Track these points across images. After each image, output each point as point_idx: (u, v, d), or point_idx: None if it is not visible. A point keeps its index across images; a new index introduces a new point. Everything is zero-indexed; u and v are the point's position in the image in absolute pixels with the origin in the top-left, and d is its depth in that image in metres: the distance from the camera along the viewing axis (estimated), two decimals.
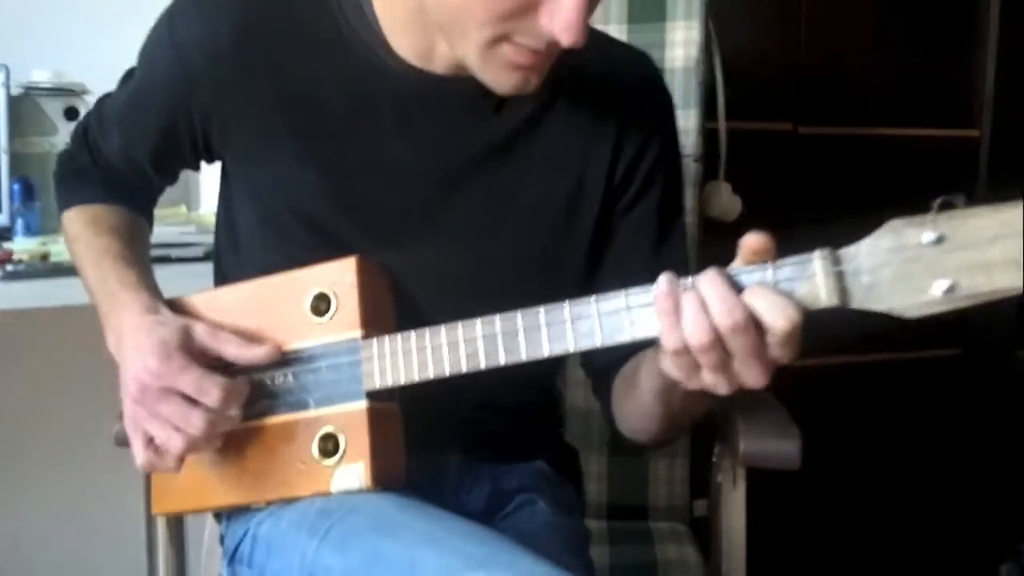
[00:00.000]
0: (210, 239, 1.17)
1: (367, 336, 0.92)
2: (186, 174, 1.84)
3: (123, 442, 1.12)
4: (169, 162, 1.07)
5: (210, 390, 0.87)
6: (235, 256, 1.06)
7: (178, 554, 1.20)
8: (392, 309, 0.97)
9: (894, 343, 2.16)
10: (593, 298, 0.81)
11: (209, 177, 1.78)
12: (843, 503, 2.28)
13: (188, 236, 1.52)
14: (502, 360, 0.85)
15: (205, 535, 1.24)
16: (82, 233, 1.05)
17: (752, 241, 0.73)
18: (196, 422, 0.87)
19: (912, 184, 1.87)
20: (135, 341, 0.90)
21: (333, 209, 0.97)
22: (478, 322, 0.86)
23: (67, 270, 1.39)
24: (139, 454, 0.91)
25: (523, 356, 0.84)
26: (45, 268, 1.42)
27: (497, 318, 0.85)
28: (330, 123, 0.96)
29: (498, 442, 1.06)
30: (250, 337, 0.94)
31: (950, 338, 2.38)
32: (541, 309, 0.83)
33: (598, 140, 1.00)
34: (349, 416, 0.91)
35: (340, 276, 0.94)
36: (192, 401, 0.88)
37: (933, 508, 2.38)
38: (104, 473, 1.74)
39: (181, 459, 0.91)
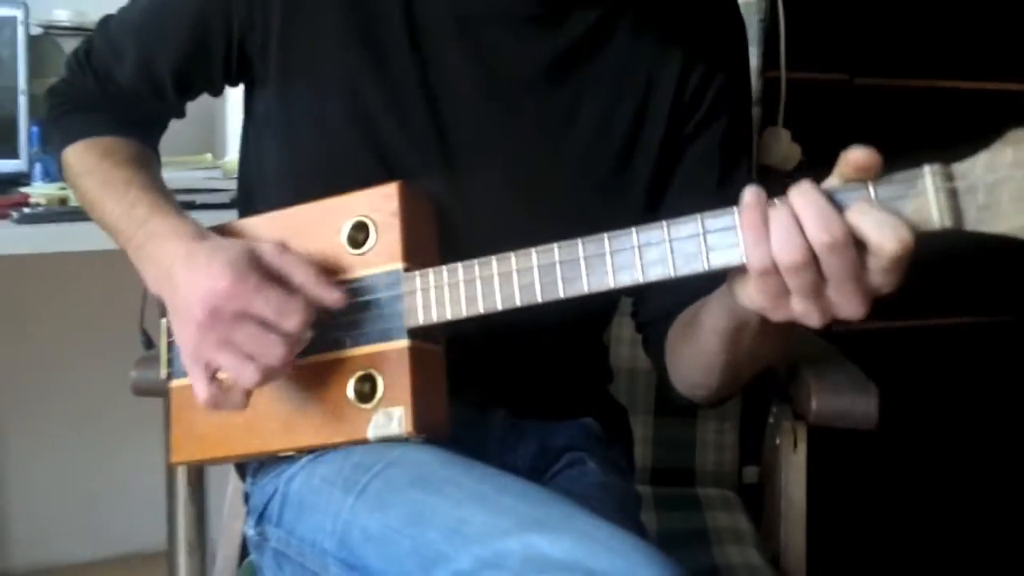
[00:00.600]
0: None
1: (409, 269, 0.84)
2: (212, 119, 1.80)
3: (142, 390, 1.05)
4: (193, 79, 0.98)
5: (292, 313, 0.78)
6: (263, 197, 0.98)
7: (199, 511, 1.13)
8: (436, 241, 0.89)
9: (943, 308, 2.07)
10: (664, 223, 0.73)
11: (236, 122, 1.70)
12: (903, 469, 2.19)
13: (214, 182, 1.45)
14: (561, 292, 0.77)
15: (228, 492, 1.17)
16: (97, 165, 0.95)
17: (857, 156, 0.64)
18: (276, 349, 0.77)
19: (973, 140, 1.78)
20: (193, 266, 0.80)
21: (382, 123, 0.90)
22: (533, 251, 0.78)
23: (86, 215, 1.32)
24: (203, 390, 0.81)
25: (585, 287, 0.76)
26: (63, 212, 1.36)
27: (556, 246, 0.77)
28: (387, 35, 0.89)
29: (546, 397, 0.99)
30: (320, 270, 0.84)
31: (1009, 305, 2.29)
32: (605, 236, 0.75)
33: (664, 62, 0.93)
34: (388, 356, 0.83)
35: (381, 203, 0.86)
36: (267, 327, 0.78)
37: (991, 480, 2.28)
38: (124, 423, 1.69)
39: (250, 394, 0.82)
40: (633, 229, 0.74)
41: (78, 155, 0.97)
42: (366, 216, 0.86)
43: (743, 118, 0.99)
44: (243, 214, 1.00)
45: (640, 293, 0.97)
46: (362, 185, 0.87)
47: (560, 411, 1.01)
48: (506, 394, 0.97)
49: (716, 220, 0.71)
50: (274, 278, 0.80)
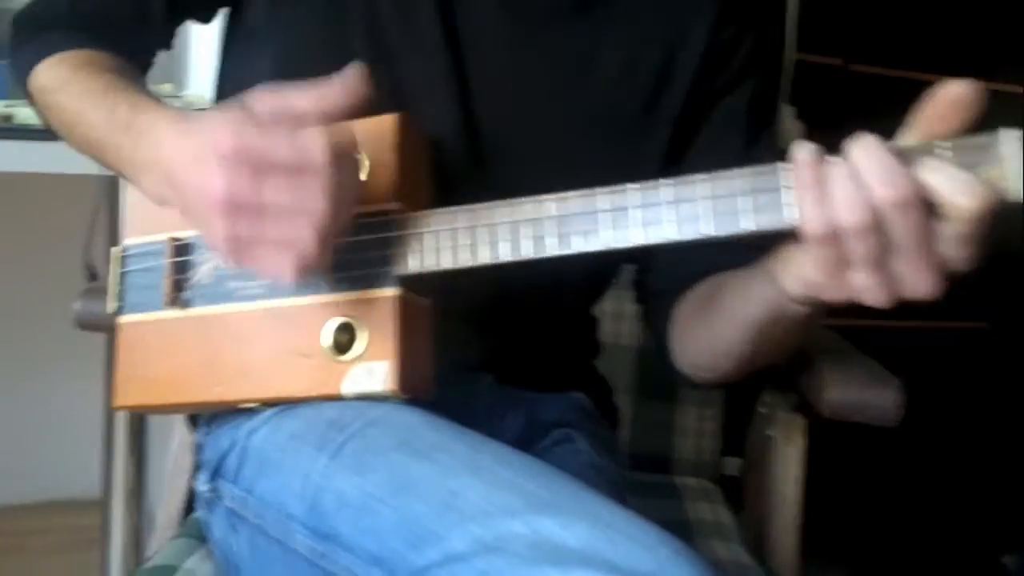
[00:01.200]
0: None
1: (404, 210, 0.75)
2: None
3: (87, 323, 0.95)
4: None
5: (313, 137, 0.62)
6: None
7: (138, 459, 1.03)
8: (434, 182, 0.80)
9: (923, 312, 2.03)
10: (700, 176, 0.65)
11: (200, 53, 1.58)
12: (896, 467, 2.15)
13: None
14: (576, 246, 0.68)
15: (174, 442, 1.07)
16: (71, 77, 0.82)
17: (954, 91, 0.57)
18: (312, 194, 0.62)
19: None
20: (188, 138, 0.66)
21: (392, 44, 0.81)
22: (550, 199, 0.69)
23: (32, 133, 1.20)
24: (281, 268, 0.64)
25: (608, 242, 0.67)
26: (7, 130, 1.23)
27: (574, 194, 0.68)
28: None
29: (536, 365, 0.92)
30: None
31: (978, 311, 2.26)
32: (634, 186, 0.67)
33: (697, 11, 0.87)
34: (374, 305, 0.74)
35: (376, 135, 0.76)
36: (295, 167, 0.62)
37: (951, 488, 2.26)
38: (60, 359, 1.56)
39: (324, 248, 0.64)
40: (664, 181, 0.66)
41: (50, 71, 0.84)
42: (359, 148, 0.76)
43: (771, 83, 0.92)
44: None
45: (648, 260, 0.90)
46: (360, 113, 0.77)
47: (549, 382, 0.93)
48: (495, 358, 0.89)
49: (766, 177, 0.63)
50: (275, 117, 0.64)
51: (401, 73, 0.81)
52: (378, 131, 0.76)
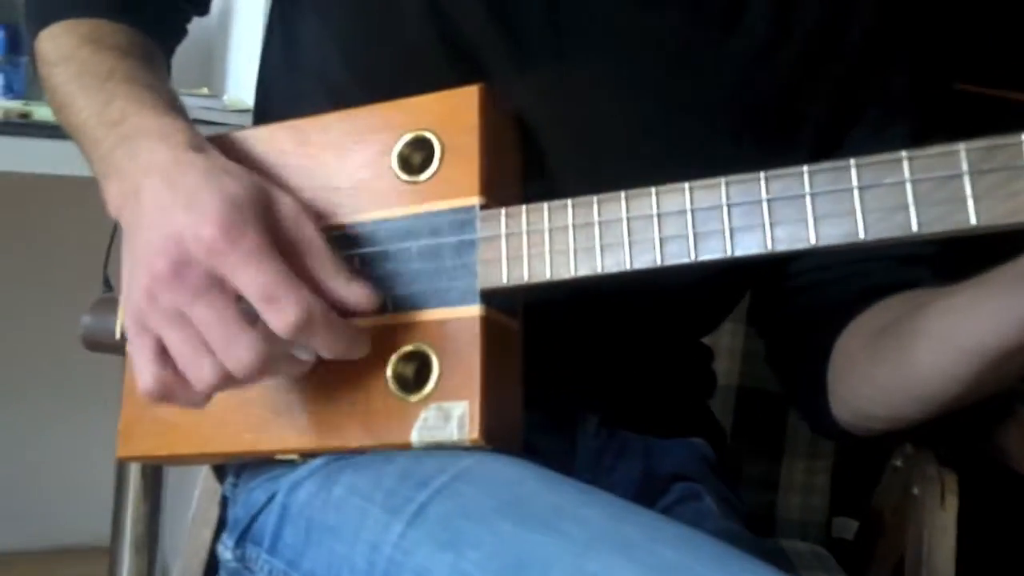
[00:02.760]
0: (242, 121, 0.83)
1: (488, 205, 0.58)
2: (209, 53, 1.54)
3: (95, 343, 0.79)
4: None
5: (285, 302, 0.52)
6: (292, 92, 0.72)
7: (152, 507, 0.87)
8: (523, 171, 0.63)
9: None
10: (901, 154, 0.48)
11: (237, 58, 1.44)
12: None
13: (212, 113, 1.18)
14: (730, 250, 0.51)
15: (196, 491, 0.90)
16: (75, 52, 0.69)
17: None
18: (244, 350, 0.52)
19: None
20: (173, 187, 0.55)
21: (480, 11, 0.65)
22: (686, 187, 0.52)
23: (51, 131, 1.07)
24: (145, 370, 0.55)
25: (768, 244, 0.50)
26: (23, 126, 1.10)
27: (723, 181, 0.52)
28: None
29: (649, 405, 0.75)
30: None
31: None
32: (804, 168, 0.50)
33: None
34: (450, 328, 0.58)
35: (452, 112, 0.61)
36: (242, 314, 0.53)
37: None
38: (73, 384, 1.40)
39: (208, 394, 0.56)
40: (852, 160, 0.49)
41: (54, 39, 0.71)
42: (429, 130, 0.61)
43: (938, 64, 0.75)
44: (260, 112, 0.76)
45: (783, 277, 0.72)
46: (427, 87, 0.61)
47: (666, 424, 0.76)
48: (599, 396, 0.72)
49: (994, 151, 0.46)
50: (280, 246, 0.54)
51: (470, 26, 0.65)
52: (453, 108, 0.61)
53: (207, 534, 0.88)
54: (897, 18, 0.71)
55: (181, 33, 0.79)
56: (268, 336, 0.53)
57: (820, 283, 0.69)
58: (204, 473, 0.90)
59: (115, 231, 0.91)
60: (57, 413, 1.66)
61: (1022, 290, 0.49)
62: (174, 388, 0.55)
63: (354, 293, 0.56)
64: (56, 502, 1.67)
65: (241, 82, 1.42)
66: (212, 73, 1.50)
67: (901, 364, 0.60)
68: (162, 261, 0.53)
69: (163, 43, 0.76)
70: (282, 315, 0.52)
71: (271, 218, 0.55)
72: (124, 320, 0.57)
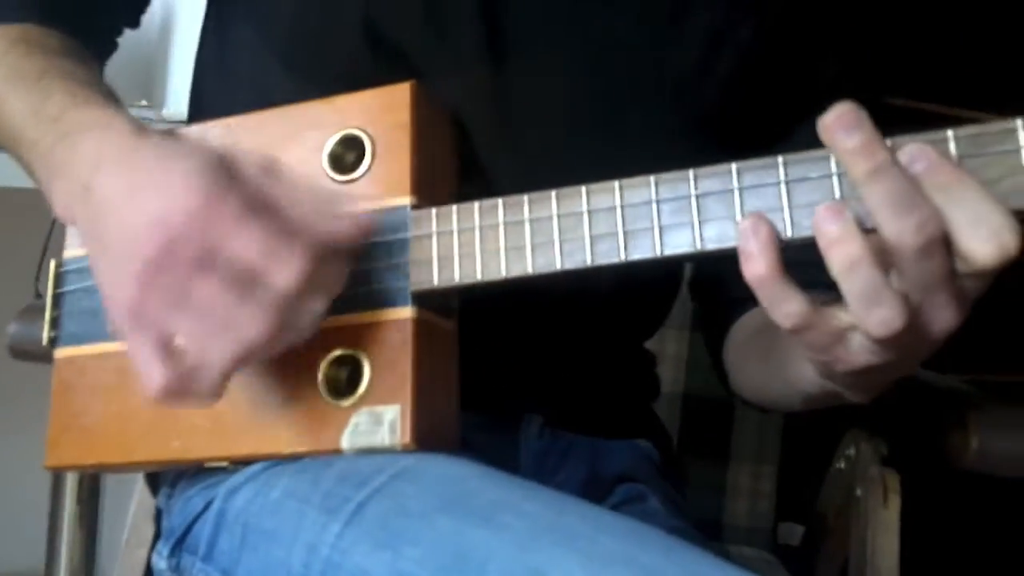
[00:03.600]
0: None
1: (420, 205, 0.58)
2: (150, 66, 1.51)
3: (22, 352, 0.77)
4: None
5: (287, 257, 0.49)
6: (225, 95, 0.71)
7: (89, 532, 0.84)
8: (457, 170, 0.63)
9: None
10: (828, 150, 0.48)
11: (178, 72, 1.42)
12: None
13: (152, 125, 1.15)
14: (659, 250, 0.51)
15: (131, 506, 0.88)
16: (4, 55, 0.66)
17: None
18: (260, 317, 0.50)
19: None
20: (134, 172, 0.52)
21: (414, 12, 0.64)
22: (618, 184, 0.52)
23: None
24: (155, 370, 0.51)
25: (695, 243, 0.50)
26: None
27: (652, 179, 0.51)
28: None
29: (593, 405, 0.74)
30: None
31: None
32: (733, 165, 0.50)
33: None
34: (381, 330, 0.57)
35: (383, 110, 0.60)
36: (249, 279, 0.50)
37: None
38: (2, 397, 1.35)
39: (224, 381, 0.52)
40: (784, 156, 0.49)
41: None
42: (360, 128, 0.60)
43: (876, 88, 0.76)
44: (195, 107, 0.74)
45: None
46: (355, 81, 0.61)
47: (611, 425, 0.75)
48: (542, 396, 0.71)
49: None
50: (259, 205, 0.51)
51: (402, 22, 0.65)
52: (385, 105, 0.60)
53: (142, 554, 0.85)
54: (830, 31, 0.71)
55: (112, 46, 0.77)
56: (274, 298, 0.50)
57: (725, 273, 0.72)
58: (139, 487, 0.88)
59: (48, 241, 0.89)
60: None
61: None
62: (186, 382, 0.51)
63: (346, 224, 0.53)
64: None
65: (181, 95, 1.39)
66: (152, 85, 1.47)
67: (762, 376, 0.67)
68: (150, 247, 0.49)
69: (95, 54, 0.74)
70: (287, 270, 0.49)
71: (242, 181, 0.52)
72: (113, 320, 0.53)
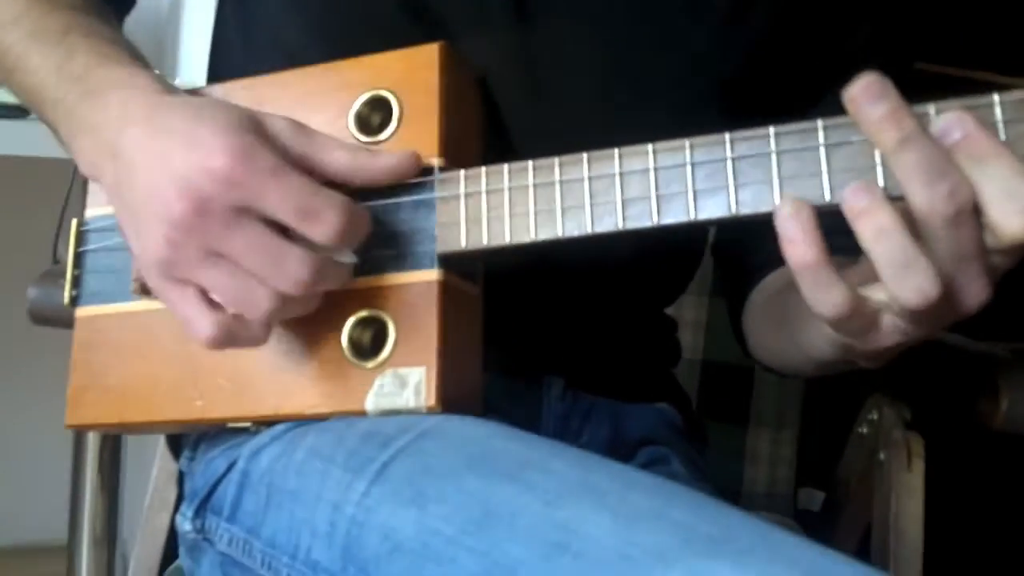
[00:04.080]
0: None
1: (447, 167, 0.57)
2: (161, 39, 1.49)
3: (43, 317, 0.76)
4: None
5: (323, 211, 0.50)
6: (246, 57, 0.70)
7: (110, 499, 0.84)
8: (485, 132, 0.62)
9: None
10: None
11: (190, 45, 1.41)
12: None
13: None
14: (693, 213, 0.50)
15: (153, 472, 0.88)
16: (25, 13, 0.65)
17: None
18: (295, 268, 0.51)
19: None
20: (163, 132, 0.52)
21: None
22: (649, 148, 0.51)
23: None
24: (198, 322, 0.53)
25: (737, 208, 0.49)
26: None
27: (688, 142, 0.50)
28: None
29: (615, 367, 0.74)
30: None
31: None
32: (771, 129, 0.48)
33: None
34: (407, 292, 0.56)
35: (411, 71, 0.59)
36: (282, 235, 0.51)
37: None
38: (24, 368, 1.35)
39: (270, 325, 0.54)
40: (818, 121, 0.48)
41: (2, 1, 0.66)
42: (388, 90, 0.59)
43: (909, 56, 0.75)
44: (213, 76, 0.73)
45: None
46: (385, 45, 0.59)
47: (633, 388, 0.75)
48: (564, 358, 0.71)
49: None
50: (293, 163, 0.52)
51: None
52: (413, 67, 0.59)
53: (164, 518, 0.85)
54: (848, 21, 0.69)
55: (130, 3, 0.76)
56: (311, 247, 0.51)
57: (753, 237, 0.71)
58: (160, 452, 0.88)
59: (65, 208, 0.88)
60: (9, 398, 1.61)
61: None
62: (236, 328, 0.53)
63: (390, 161, 0.55)
64: (9, 499, 1.62)
65: (193, 65, 1.38)
66: (163, 56, 1.46)
67: (778, 342, 0.67)
68: (180, 205, 0.50)
69: (115, 10, 0.73)
70: (323, 225, 0.50)
71: (271, 137, 0.52)
72: (145, 279, 0.55)
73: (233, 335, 0.53)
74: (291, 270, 0.50)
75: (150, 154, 0.52)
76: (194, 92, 0.61)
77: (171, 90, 0.56)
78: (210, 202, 0.50)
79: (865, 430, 0.92)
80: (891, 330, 0.47)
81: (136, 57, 0.61)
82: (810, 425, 1.15)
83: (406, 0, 0.63)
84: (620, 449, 0.71)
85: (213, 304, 0.53)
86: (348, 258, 0.54)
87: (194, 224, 0.50)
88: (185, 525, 0.66)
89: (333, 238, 0.50)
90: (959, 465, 1.18)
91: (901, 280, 0.43)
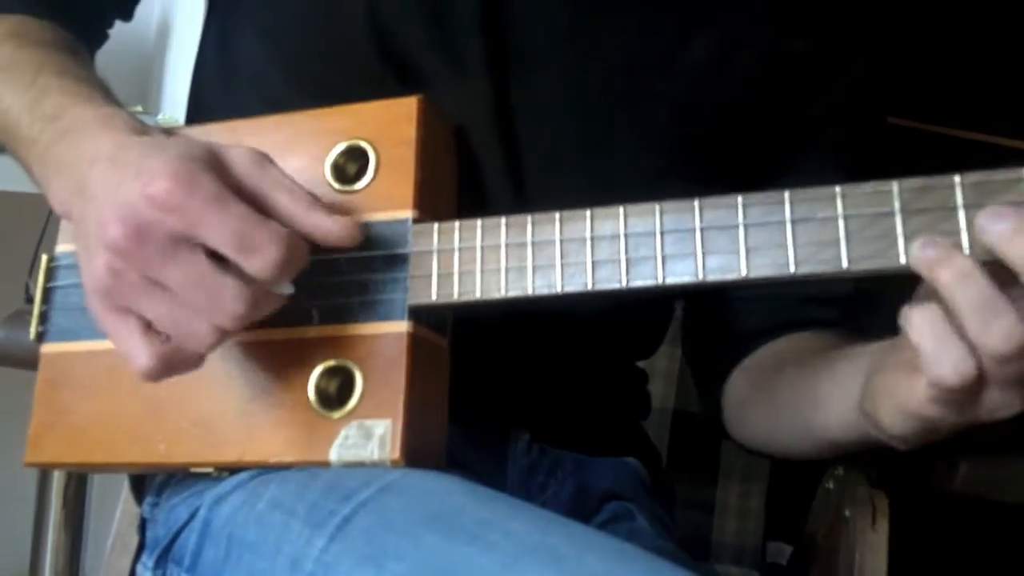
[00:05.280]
0: None
1: (421, 219, 0.57)
2: (147, 71, 1.49)
3: (7, 358, 0.76)
4: None
5: (262, 244, 0.50)
6: (226, 97, 0.70)
7: (73, 538, 0.83)
8: (457, 187, 0.62)
9: None
10: (835, 189, 0.47)
11: (174, 78, 1.41)
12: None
13: None
14: (661, 278, 0.50)
15: (116, 515, 0.87)
16: None
17: None
18: (232, 303, 0.50)
19: None
20: (119, 165, 0.52)
21: (419, 18, 0.64)
22: (620, 211, 0.52)
23: None
24: (137, 351, 0.52)
25: (704, 274, 0.49)
26: None
27: (657, 207, 0.51)
28: None
29: (582, 422, 0.74)
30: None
31: None
32: (739, 199, 0.49)
33: (798, 19, 0.70)
34: (376, 343, 0.56)
35: (389, 123, 0.59)
36: (220, 264, 0.50)
37: None
38: None
39: (203, 356, 0.54)
40: (785, 193, 0.48)
41: None
42: (365, 140, 0.59)
43: (878, 118, 0.76)
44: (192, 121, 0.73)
45: (709, 302, 0.74)
46: (364, 93, 0.60)
47: (599, 442, 0.75)
48: (531, 412, 0.71)
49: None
50: (244, 196, 0.51)
51: (409, 39, 0.64)
52: (391, 118, 0.59)
53: (126, 562, 0.84)
54: (834, 55, 0.71)
55: (103, 38, 0.76)
56: (248, 279, 0.50)
57: (732, 312, 0.72)
58: (125, 495, 0.87)
59: (39, 246, 0.88)
60: None
61: (854, 411, 0.53)
62: (175, 360, 0.52)
63: (334, 226, 0.53)
64: None
65: (177, 101, 1.39)
66: (148, 91, 1.46)
67: (772, 421, 0.67)
68: (117, 230, 0.49)
69: (86, 45, 0.73)
70: (261, 258, 0.49)
71: (227, 169, 0.52)
72: (91, 307, 0.54)
73: (172, 367, 0.53)
74: (227, 306, 0.50)
75: (106, 186, 0.52)
76: (169, 132, 0.61)
77: (144, 130, 0.56)
78: (148, 227, 0.49)
79: (831, 486, 0.92)
80: (998, 404, 0.46)
81: (109, 95, 0.62)
82: (779, 478, 1.15)
83: (384, 50, 0.64)
84: (585, 503, 0.71)
85: (153, 333, 0.52)
86: (287, 289, 0.54)
87: (132, 251, 0.50)
88: (146, 575, 0.65)
89: (271, 271, 0.50)
90: (923, 524, 1.18)
91: (988, 324, 0.43)
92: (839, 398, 0.56)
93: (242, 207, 0.50)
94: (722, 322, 0.74)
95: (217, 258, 0.50)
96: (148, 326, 0.52)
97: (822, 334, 0.69)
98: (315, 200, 0.54)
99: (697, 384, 0.80)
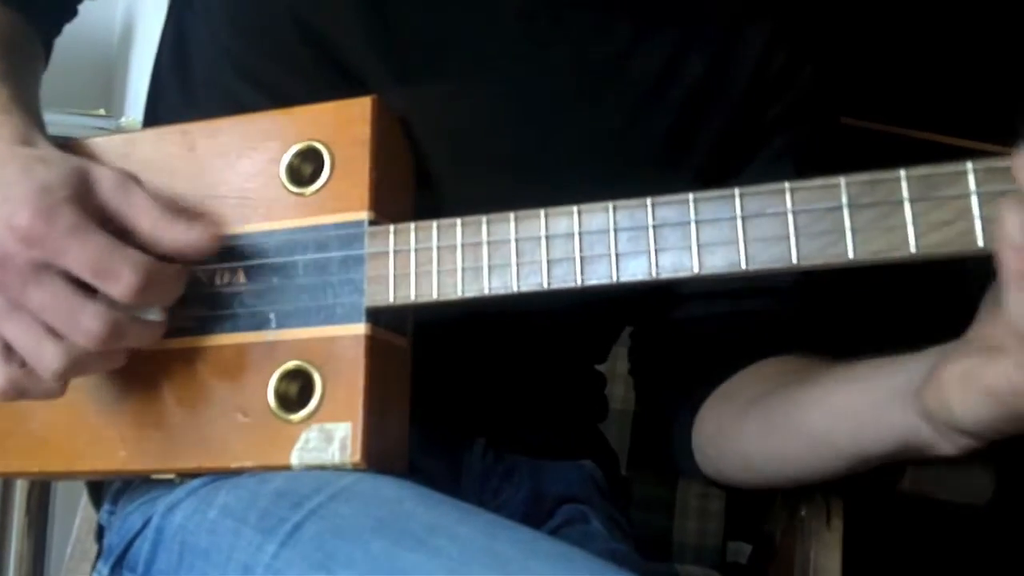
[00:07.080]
0: None
1: (377, 221, 0.57)
2: (110, 72, 1.48)
3: None
4: None
5: (118, 270, 0.52)
6: (183, 98, 0.70)
7: (37, 545, 0.83)
8: (413, 188, 0.62)
9: None
10: (784, 185, 0.48)
11: (138, 80, 1.40)
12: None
13: (103, 135, 1.14)
14: (616, 276, 0.51)
15: (76, 522, 0.86)
16: None
17: None
18: (89, 323, 0.52)
19: None
20: None
21: (356, 20, 0.64)
22: (575, 210, 0.52)
23: None
24: None
25: (657, 272, 0.50)
26: None
27: (611, 205, 0.52)
28: None
29: (537, 427, 0.74)
30: (181, 210, 0.58)
31: None
32: (690, 196, 0.50)
33: (747, 22, 0.71)
34: (335, 346, 0.56)
35: (343, 124, 0.60)
36: (86, 288, 0.52)
37: None
38: None
39: (63, 381, 0.55)
40: (735, 190, 0.49)
41: None
42: (319, 141, 0.59)
43: (829, 125, 0.77)
44: (151, 120, 0.73)
45: (667, 326, 0.74)
46: (304, 84, 0.61)
47: (554, 447, 0.75)
48: (486, 418, 0.71)
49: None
50: (108, 220, 0.54)
51: (353, 49, 0.65)
52: (345, 119, 0.59)
53: (86, 568, 0.83)
54: (785, 61, 0.72)
55: (71, 14, 0.75)
56: (111, 303, 0.52)
57: (700, 327, 0.71)
58: (84, 502, 0.86)
59: None
60: None
61: (905, 407, 0.50)
62: (25, 383, 0.55)
63: (181, 233, 0.55)
64: None
65: (140, 104, 1.38)
66: (112, 94, 1.45)
67: (774, 452, 0.63)
68: None
69: (52, 23, 0.73)
70: (119, 283, 0.52)
71: (90, 194, 0.54)
72: None
73: (22, 389, 0.55)
74: (85, 324, 0.52)
75: None
76: (64, 146, 0.61)
77: (26, 138, 0.57)
78: (10, 257, 0.52)
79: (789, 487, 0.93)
80: None
81: (14, 98, 0.61)
82: None
83: (324, 54, 0.64)
84: (540, 507, 0.71)
85: (10, 356, 0.54)
86: (154, 316, 0.55)
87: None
88: None
89: (129, 296, 0.52)
90: (875, 524, 1.20)
91: None
92: (869, 405, 0.54)
93: (100, 235, 0.52)
94: (703, 342, 0.72)
95: (83, 286, 0.52)
96: (7, 348, 0.54)
97: (788, 359, 0.68)
98: (176, 216, 0.55)
99: (650, 421, 0.79)
